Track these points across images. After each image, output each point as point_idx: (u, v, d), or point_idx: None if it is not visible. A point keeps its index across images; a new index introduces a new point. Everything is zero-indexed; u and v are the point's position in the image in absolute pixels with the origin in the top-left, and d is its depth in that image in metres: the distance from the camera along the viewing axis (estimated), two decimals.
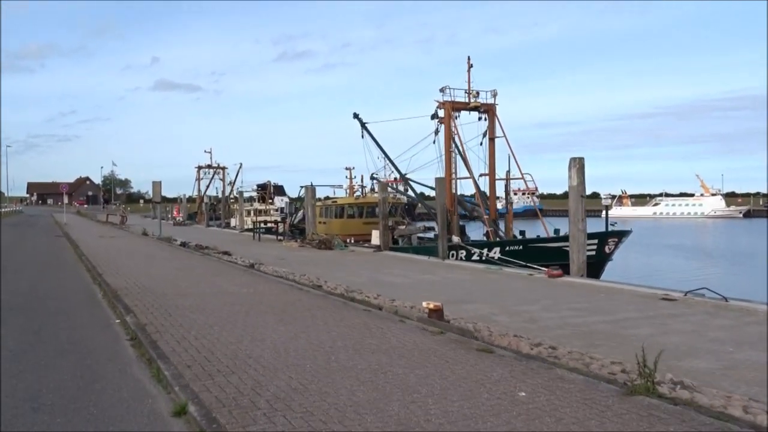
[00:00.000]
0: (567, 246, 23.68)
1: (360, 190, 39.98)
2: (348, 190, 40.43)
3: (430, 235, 31.86)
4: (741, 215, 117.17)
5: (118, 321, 10.40)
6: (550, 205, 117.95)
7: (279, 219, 42.84)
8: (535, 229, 32.79)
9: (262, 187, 61.73)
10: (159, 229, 29.37)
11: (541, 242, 24.51)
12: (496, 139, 29.48)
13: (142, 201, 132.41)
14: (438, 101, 28.93)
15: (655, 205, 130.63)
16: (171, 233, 34.38)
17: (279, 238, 35.84)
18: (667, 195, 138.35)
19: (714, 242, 62.16)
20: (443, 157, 29.21)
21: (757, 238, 68.68)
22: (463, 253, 24.49)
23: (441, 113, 29.17)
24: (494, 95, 29.25)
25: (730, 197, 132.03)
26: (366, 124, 33.56)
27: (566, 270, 20.73)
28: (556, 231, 27.50)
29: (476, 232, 30.14)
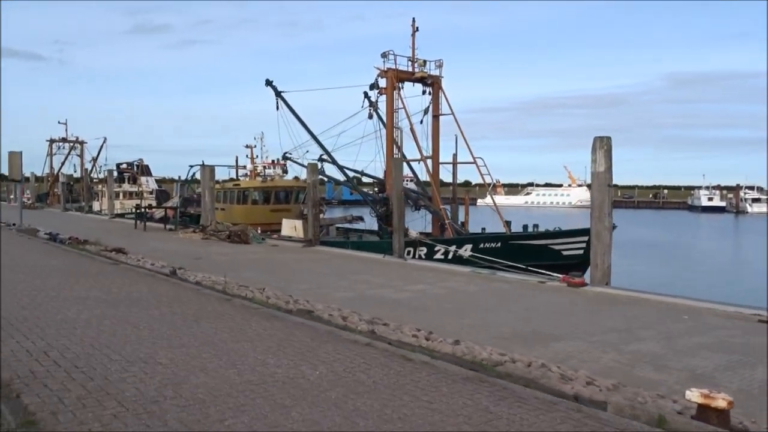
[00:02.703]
0: (554, 244, 20.66)
1: (263, 171, 34.51)
2: (250, 173, 34.82)
3: (359, 225, 27.52)
4: None
5: None
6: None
7: (174, 204, 36.15)
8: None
9: (134, 166, 53.58)
10: (20, 216, 22.10)
11: (524, 239, 21.07)
12: (440, 118, 25.63)
13: None
14: (379, 68, 24.44)
15: (527, 194, 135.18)
16: (25, 220, 26.96)
17: (169, 227, 29.70)
18: (537, 185, 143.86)
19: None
20: (381, 134, 24.89)
21: (626, 228, 71.79)
22: (423, 251, 20.46)
23: (382, 83, 24.73)
24: (439, 66, 25.31)
25: (591, 188, 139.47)
26: (282, 94, 28.30)
27: (553, 270, 17.58)
28: (507, 224, 24.38)
29: (414, 223, 26.28)
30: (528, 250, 20.12)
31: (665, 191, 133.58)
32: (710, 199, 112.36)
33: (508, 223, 24.52)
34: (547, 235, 20.96)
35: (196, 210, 37.30)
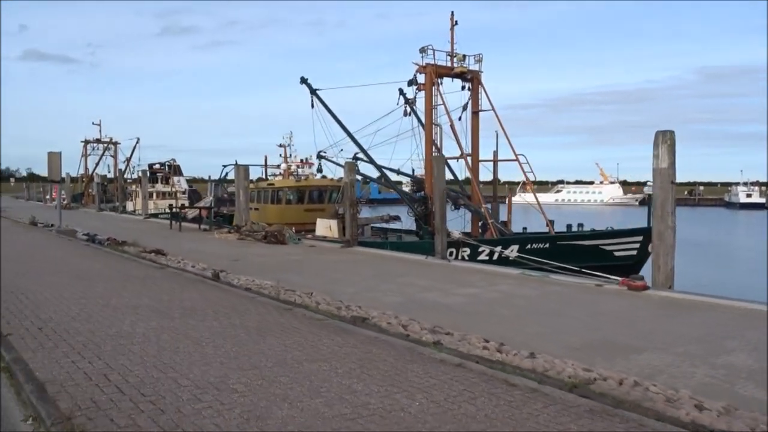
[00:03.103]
0: (606, 244, 19.82)
1: (296, 171, 34.13)
2: (284, 172, 34.48)
3: (396, 225, 26.92)
4: (637, 203, 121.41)
5: None
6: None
7: (207, 204, 36.07)
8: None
9: (167, 166, 53.76)
10: (59, 217, 21.93)
11: (574, 239, 20.23)
12: (480, 114, 24.91)
13: (12, 180, 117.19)
14: (417, 64, 23.80)
15: (557, 192, 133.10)
16: (59, 220, 26.84)
17: (203, 227, 29.48)
18: (567, 183, 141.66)
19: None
20: (418, 131, 24.25)
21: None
22: (466, 252, 19.77)
23: (420, 78, 24.09)
24: (479, 60, 24.58)
25: (623, 185, 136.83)
26: (317, 91, 27.84)
27: (605, 272, 16.80)
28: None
29: (452, 223, 25.52)
30: (578, 251, 19.24)
31: (701, 188, 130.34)
32: (749, 195, 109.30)
33: (551, 223, 23.73)
34: (599, 235, 20.04)
35: (229, 210, 37.23)
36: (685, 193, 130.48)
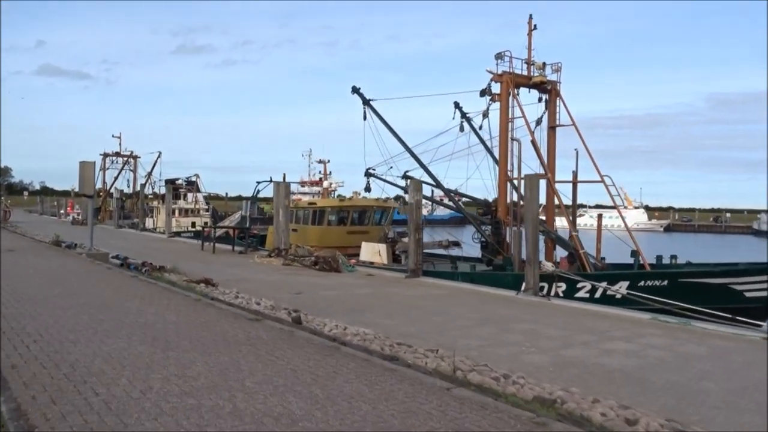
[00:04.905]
0: (737, 283, 17.05)
1: (335, 190, 31.62)
2: (323, 191, 31.95)
3: (455, 252, 24.21)
4: (662, 229, 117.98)
5: None
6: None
7: (234, 222, 33.55)
8: None
9: (189, 182, 51.37)
10: (90, 238, 19.04)
11: (699, 276, 17.42)
12: (557, 129, 22.36)
13: (26, 193, 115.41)
14: (492, 72, 21.27)
15: (579, 216, 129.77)
16: (81, 238, 24.13)
17: (239, 249, 26.91)
18: (588, 207, 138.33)
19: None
20: (479, 148, 21.71)
21: (697, 252, 66.58)
22: (561, 287, 17.03)
23: (495, 88, 21.55)
24: (557, 70, 22.06)
25: (646, 211, 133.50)
26: (371, 102, 25.35)
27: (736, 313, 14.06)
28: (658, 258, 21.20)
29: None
30: (703, 290, 16.43)
31: (728, 215, 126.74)
32: None
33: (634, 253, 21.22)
34: (731, 272, 17.22)
35: (259, 229, 34.66)
36: (711, 219, 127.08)
